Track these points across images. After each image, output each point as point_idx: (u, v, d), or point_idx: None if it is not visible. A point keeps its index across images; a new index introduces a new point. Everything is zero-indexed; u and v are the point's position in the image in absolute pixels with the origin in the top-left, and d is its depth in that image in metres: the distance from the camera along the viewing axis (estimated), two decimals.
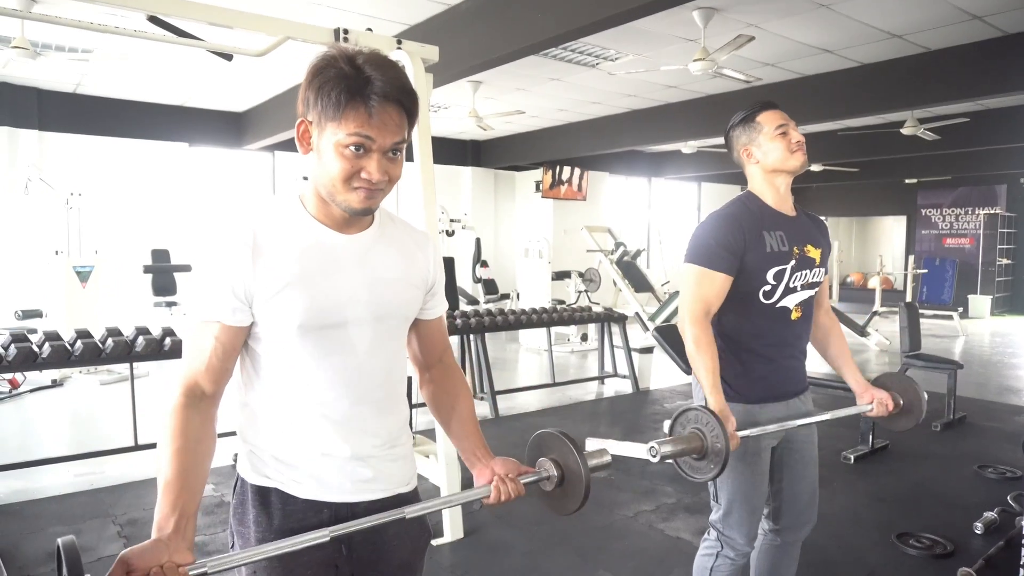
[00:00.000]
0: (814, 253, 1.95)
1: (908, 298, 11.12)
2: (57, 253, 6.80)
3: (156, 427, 1.13)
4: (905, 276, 11.67)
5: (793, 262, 1.90)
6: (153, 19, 2.86)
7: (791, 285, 1.90)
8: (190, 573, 0.99)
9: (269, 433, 1.21)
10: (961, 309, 11.40)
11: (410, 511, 1.21)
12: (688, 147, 11.09)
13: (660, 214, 14.38)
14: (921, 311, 7.07)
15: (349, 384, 1.20)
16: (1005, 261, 13.75)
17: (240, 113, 9.49)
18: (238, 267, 1.12)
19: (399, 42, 3.18)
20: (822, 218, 2.13)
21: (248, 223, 1.16)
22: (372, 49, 1.14)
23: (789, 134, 1.91)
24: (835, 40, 6.16)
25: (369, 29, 3.26)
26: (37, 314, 6.68)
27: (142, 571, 0.96)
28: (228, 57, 3.37)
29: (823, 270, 1.99)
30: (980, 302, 13.06)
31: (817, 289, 1.99)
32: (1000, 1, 5.19)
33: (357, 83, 1.07)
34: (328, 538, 1.12)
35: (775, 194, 1.95)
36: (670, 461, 1.71)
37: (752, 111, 1.96)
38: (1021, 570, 2.19)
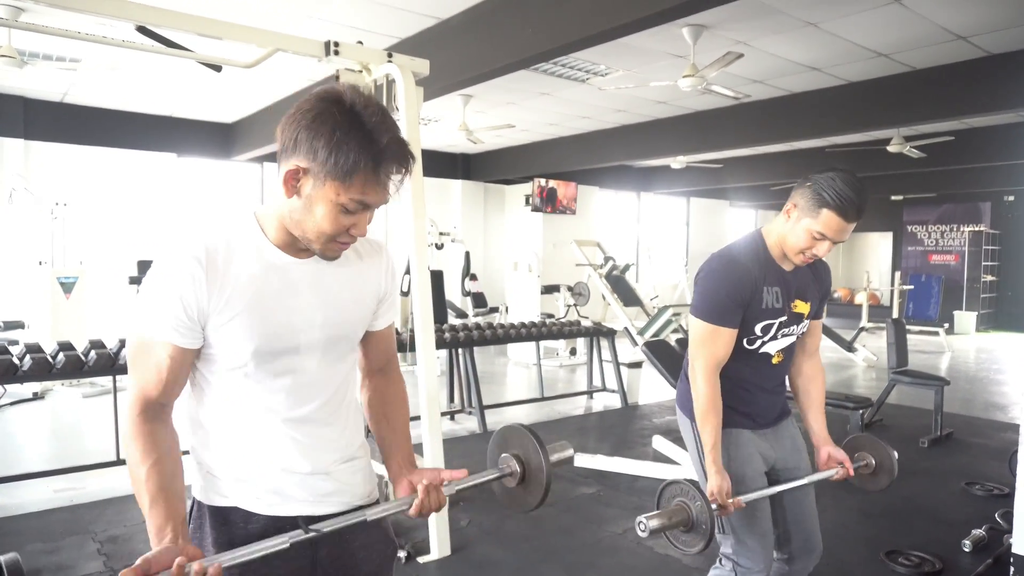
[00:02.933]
0: (802, 308, 1.94)
1: (895, 314, 11.19)
2: (41, 263, 6.72)
3: (123, 446, 1.14)
4: (892, 292, 11.75)
5: (784, 318, 1.91)
6: (142, 29, 2.85)
7: (775, 335, 1.92)
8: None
9: (224, 451, 1.20)
10: (947, 325, 11.48)
11: (371, 514, 1.21)
12: (677, 162, 11.15)
13: (649, 228, 14.43)
14: (907, 327, 7.11)
15: (302, 402, 1.20)
16: (990, 278, 13.89)
17: (229, 124, 9.46)
18: (191, 288, 1.10)
19: (390, 55, 3.18)
20: (826, 263, 2.04)
21: (201, 242, 1.13)
22: (367, 93, 1.14)
23: (820, 244, 1.80)
24: (823, 58, 6.22)
25: (360, 42, 3.26)
26: (19, 325, 6.59)
27: (160, 569, 0.97)
28: (217, 68, 3.36)
29: (808, 322, 1.98)
30: (965, 318, 13.17)
31: (799, 335, 1.99)
32: (983, 22, 5.27)
33: (375, 155, 1.06)
34: (287, 544, 1.09)
35: (781, 252, 1.92)
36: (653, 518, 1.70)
37: (830, 198, 1.74)
38: None
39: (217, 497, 1.19)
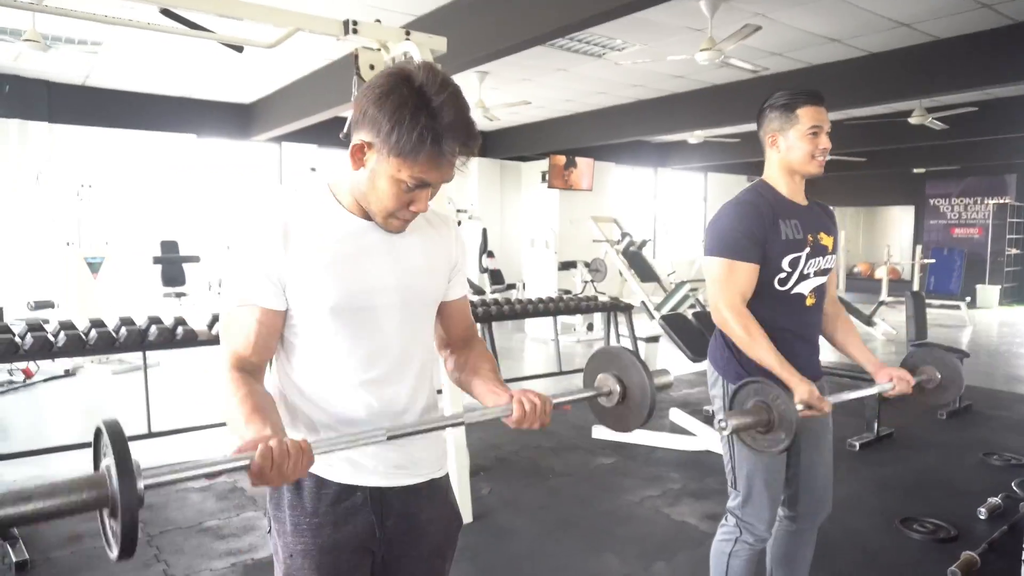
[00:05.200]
0: (827, 241, 1.97)
1: (915, 288, 11.10)
2: (68, 244, 6.86)
3: (217, 399, 1.16)
4: (912, 266, 11.63)
5: (808, 249, 1.92)
6: (166, 12, 2.90)
7: (805, 272, 1.92)
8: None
9: (301, 418, 1.24)
10: (969, 299, 11.36)
11: (470, 418, 1.23)
12: (694, 137, 11.07)
13: (666, 204, 14.36)
14: (928, 301, 7.07)
15: (379, 364, 1.24)
16: (1014, 251, 13.70)
17: (248, 105, 9.52)
18: (270, 254, 1.16)
19: (407, 33, 3.21)
20: (830, 207, 2.14)
21: (279, 212, 1.20)
22: (441, 73, 1.14)
23: (820, 138, 1.88)
24: (843, 29, 6.13)
25: (378, 20, 3.29)
26: (49, 305, 6.75)
27: (277, 456, 0.97)
28: (239, 49, 3.41)
29: (834, 257, 2.01)
30: (988, 292, 13.02)
31: (828, 275, 2.01)
32: None
33: (436, 133, 1.08)
34: (384, 438, 1.11)
35: (789, 184, 1.97)
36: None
37: (794, 100, 1.91)
38: None
39: None
